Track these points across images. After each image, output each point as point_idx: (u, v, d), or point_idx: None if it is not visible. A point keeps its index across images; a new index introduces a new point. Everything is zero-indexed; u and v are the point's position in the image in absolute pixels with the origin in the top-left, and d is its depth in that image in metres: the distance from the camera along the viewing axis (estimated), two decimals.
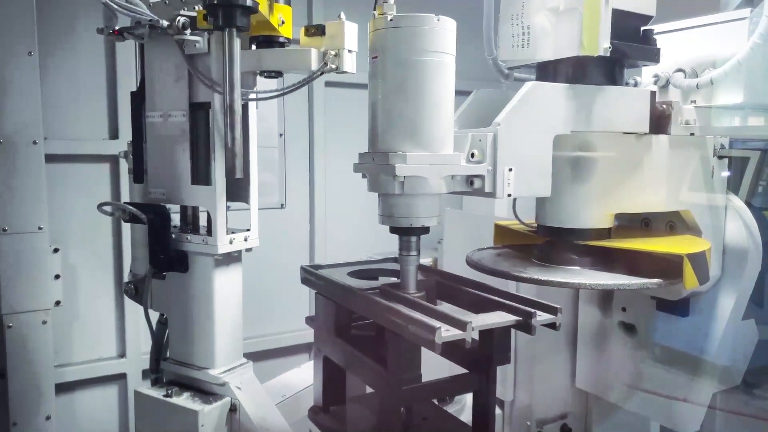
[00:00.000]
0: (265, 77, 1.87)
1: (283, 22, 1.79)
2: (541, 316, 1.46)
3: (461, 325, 1.34)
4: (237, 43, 1.60)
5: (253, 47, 1.86)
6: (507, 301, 1.54)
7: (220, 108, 1.77)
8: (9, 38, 2.63)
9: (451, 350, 1.57)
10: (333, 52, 1.69)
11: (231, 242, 1.87)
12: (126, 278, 2.09)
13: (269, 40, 1.82)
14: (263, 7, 1.67)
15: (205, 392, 1.92)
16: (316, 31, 1.72)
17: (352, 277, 1.83)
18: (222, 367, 1.92)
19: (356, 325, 1.83)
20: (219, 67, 1.75)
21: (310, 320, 2.00)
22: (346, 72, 1.72)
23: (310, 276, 1.91)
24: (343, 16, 1.70)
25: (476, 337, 1.41)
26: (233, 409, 1.89)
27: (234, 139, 1.61)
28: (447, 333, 1.31)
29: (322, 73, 1.71)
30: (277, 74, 1.86)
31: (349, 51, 1.71)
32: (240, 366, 1.98)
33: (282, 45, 1.83)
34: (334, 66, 1.69)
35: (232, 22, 1.57)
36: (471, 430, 1.65)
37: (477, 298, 1.64)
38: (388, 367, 1.52)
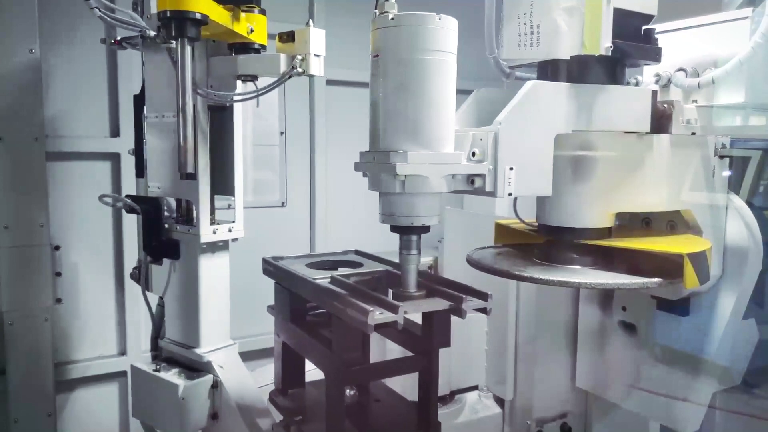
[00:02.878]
0: (243, 81, 2.01)
1: (252, 30, 1.93)
2: (472, 302, 1.58)
3: (393, 308, 1.47)
4: (188, 51, 1.71)
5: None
6: (445, 289, 1.67)
7: (202, 108, 1.97)
8: (11, 36, 2.63)
9: (398, 335, 1.75)
10: (300, 57, 1.82)
11: (215, 232, 2.04)
12: (130, 270, 2.28)
13: (245, 47, 1.96)
14: (225, 19, 1.80)
15: (193, 369, 2.07)
16: (287, 37, 1.86)
17: (311, 268, 1.97)
18: (207, 347, 2.08)
19: (313, 313, 1.98)
20: (201, 72, 1.95)
21: (270, 309, 2.11)
22: (313, 75, 1.85)
23: (270, 267, 2.05)
24: (311, 22, 1.81)
25: (417, 320, 1.60)
26: (215, 385, 2.04)
27: (185, 137, 1.72)
28: (380, 316, 1.45)
29: (290, 77, 1.84)
30: (253, 78, 1.99)
31: (316, 55, 1.84)
32: (225, 347, 2.13)
33: (257, 51, 1.98)
34: (301, 70, 1.83)
35: (183, 33, 1.67)
36: (416, 407, 1.79)
37: (425, 287, 1.73)
38: (332, 348, 1.65)
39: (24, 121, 2.69)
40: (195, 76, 1.85)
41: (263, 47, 1.98)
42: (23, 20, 2.65)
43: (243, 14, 1.87)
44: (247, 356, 2.26)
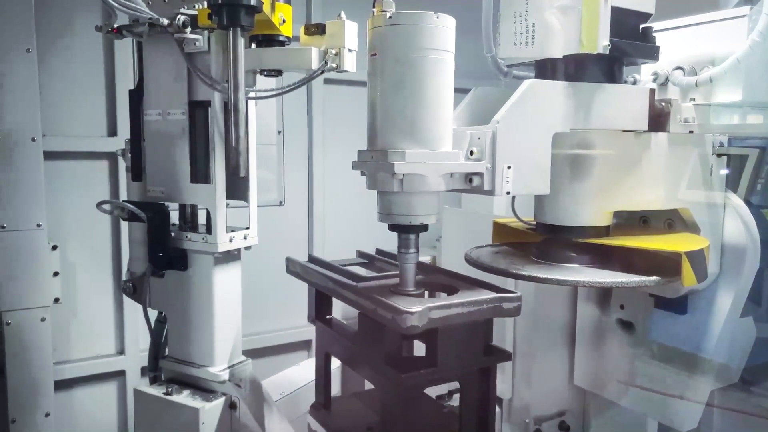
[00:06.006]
0: (265, 76, 1.87)
1: (284, 21, 1.79)
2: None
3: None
4: (241, 42, 1.61)
5: (253, 46, 1.85)
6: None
7: (219, 106, 1.79)
8: (7, 35, 2.62)
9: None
10: (333, 51, 1.68)
11: (231, 240, 1.88)
12: (124, 276, 2.09)
13: (269, 39, 1.82)
14: (266, 7, 1.67)
15: (204, 390, 1.93)
16: (316, 30, 1.71)
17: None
18: (222, 364, 1.93)
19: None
20: (218, 66, 1.77)
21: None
22: (346, 71, 1.72)
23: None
24: (343, 15, 1.69)
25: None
26: (233, 406, 1.91)
27: (238, 137, 1.62)
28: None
29: (322, 72, 1.70)
30: (277, 73, 1.86)
31: (350, 50, 1.70)
32: (240, 363, 1.99)
33: (282, 44, 1.83)
34: (334, 65, 1.69)
35: (237, 22, 1.58)
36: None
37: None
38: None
39: (21, 120, 2.68)
40: (212, 71, 1.76)
41: (288, 40, 1.85)
42: (20, 19, 2.64)
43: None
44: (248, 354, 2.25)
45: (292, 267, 2.03)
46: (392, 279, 1.75)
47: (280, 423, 1.96)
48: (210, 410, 1.84)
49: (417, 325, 1.40)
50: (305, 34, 1.75)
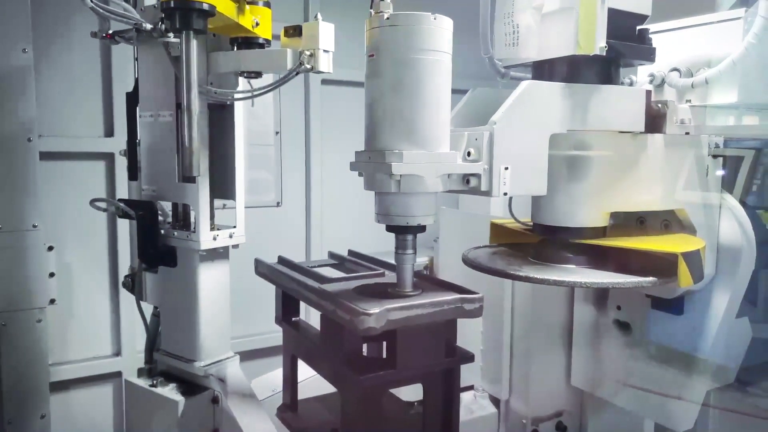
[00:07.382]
0: (245, 77, 1.92)
1: (257, 24, 1.84)
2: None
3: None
4: (193, 44, 1.64)
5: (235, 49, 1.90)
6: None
7: (201, 107, 1.82)
8: (4, 35, 2.61)
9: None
10: (308, 52, 1.71)
11: (215, 239, 1.93)
12: (124, 272, 2.17)
13: (249, 42, 1.87)
14: (231, 11, 1.71)
15: (190, 383, 1.99)
16: (294, 32, 1.75)
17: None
18: (207, 359, 1.98)
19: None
20: (201, 70, 1.81)
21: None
22: (321, 72, 1.74)
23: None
24: (319, 16, 1.72)
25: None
26: (215, 400, 1.96)
27: (191, 138, 1.64)
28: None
29: (297, 73, 1.73)
30: (257, 75, 1.91)
31: (325, 51, 1.73)
32: (226, 359, 2.04)
33: (261, 46, 1.88)
34: (309, 66, 1.71)
35: (189, 25, 1.61)
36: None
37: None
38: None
39: (17, 121, 2.68)
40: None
41: (267, 42, 1.89)
42: (16, 20, 2.64)
43: (247, 6, 1.78)
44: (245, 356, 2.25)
45: (260, 268, 2.04)
46: (358, 281, 1.76)
47: (259, 418, 1.97)
48: (189, 403, 1.90)
49: (375, 327, 1.40)
50: (284, 36, 1.78)
